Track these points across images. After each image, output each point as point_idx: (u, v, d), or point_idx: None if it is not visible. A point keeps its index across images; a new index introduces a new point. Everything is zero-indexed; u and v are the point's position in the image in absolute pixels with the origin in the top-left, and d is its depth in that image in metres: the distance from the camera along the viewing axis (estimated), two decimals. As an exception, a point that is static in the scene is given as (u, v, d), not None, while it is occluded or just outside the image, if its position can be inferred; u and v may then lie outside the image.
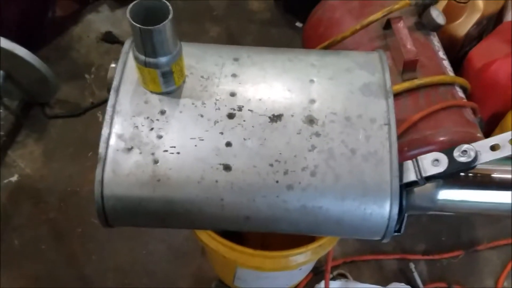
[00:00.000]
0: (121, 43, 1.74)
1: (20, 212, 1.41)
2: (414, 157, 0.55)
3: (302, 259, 0.90)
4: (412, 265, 1.33)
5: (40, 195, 1.45)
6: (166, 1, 0.50)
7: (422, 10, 1.08)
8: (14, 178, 1.47)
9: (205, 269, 1.33)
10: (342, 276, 1.32)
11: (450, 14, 1.27)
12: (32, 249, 1.36)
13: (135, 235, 1.37)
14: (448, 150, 0.54)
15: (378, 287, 1.26)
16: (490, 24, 1.43)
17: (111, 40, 1.78)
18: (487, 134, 1.21)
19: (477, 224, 1.43)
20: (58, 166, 1.50)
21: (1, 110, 1.59)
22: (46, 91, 1.55)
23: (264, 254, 0.88)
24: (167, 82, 0.55)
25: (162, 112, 0.55)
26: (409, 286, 1.29)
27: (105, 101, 1.54)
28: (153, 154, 0.53)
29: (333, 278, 1.30)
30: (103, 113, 0.54)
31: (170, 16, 0.49)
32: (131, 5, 0.50)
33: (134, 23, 0.49)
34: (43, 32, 1.77)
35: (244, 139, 0.54)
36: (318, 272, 1.29)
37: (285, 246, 0.90)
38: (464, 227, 1.43)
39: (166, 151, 0.53)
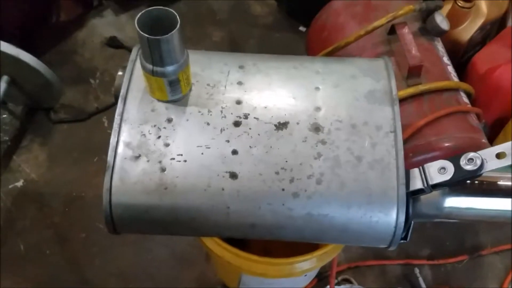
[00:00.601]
0: (126, 48, 1.75)
1: (25, 217, 1.42)
2: (419, 163, 0.56)
3: (307, 266, 0.90)
4: (416, 270, 1.33)
5: (44, 199, 1.45)
6: (173, 11, 0.50)
7: (426, 16, 1.09)
8: (19, 183, 1.47)
9: (209, 274, 1.33)
10: (346, 281, 1.32)
11: (454, 19, 1.28)
12: (36, 253, 1.36)
13: (138, 240, 1.38)
14: (454, 157, 0.54)
15: (382, 292, 1.26)
16: (493, 29, 1.43)
17: (116, 45, 1.79)
18: (492, 139, 1.21)
19: (481, 229, 1.43)
20: (63, 171, 1.50)
21: (5, 115, 1.60)
22: (50, 96, 1.56)
23: (269, 261, 0.88)
24: (174, 91, 0.55)
25: (169, 120, 0.55)
26: (413, 291, 1.29)
27: (110, 106, 1.54)
28: (160, 162, 0.53)
29: (338, 284, 1.30)
30: (108, 118, 0.55)
31: (178, 26, 0.50)
32: (139, 14, 0.50)
33: (142, 33, 0.49)
34: (47, 37, 1.78)
35: (250, 147, 0.54)
36: (322, 278, 1.29)
37: (287, 251, 0.90)
38: (468, 232, 1.43)
39: (173, 159, 0.53)
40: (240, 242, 0.96)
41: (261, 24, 1.90)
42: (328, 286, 1.11)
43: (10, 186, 1.47)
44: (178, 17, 0.50)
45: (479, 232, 1.43)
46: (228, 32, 1.87)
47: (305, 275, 1.01)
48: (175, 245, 1.37)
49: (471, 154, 0.52)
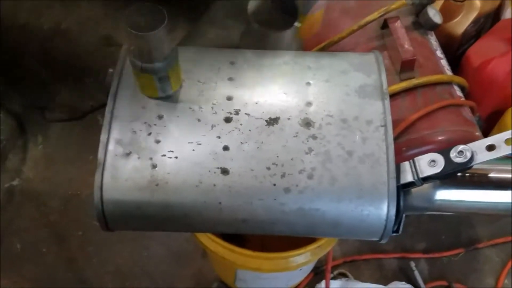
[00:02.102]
0: (121, 46, 1.74)
1: (21, 216, 1.42)
2: (412, 157, 0.56)
3: (302, 260, 0.90)
4: (412, 264, 1.33)
5: (41, 198, 1.45)
6: (161, 7, 0.50)
7: (419, 10, 1.09)
8: (15, 182, 1.47)
9: (206, 270, 1.33)
10: (342, 275, 1.33)
11: (447, 13, 1.28)
12: (33, 252, 1.36)
13: (135, 237, 1.38)
14: (444, 150, 0.54)
15: (379, 286, 1.27)
16: (487, 22, 1.43)
17: (111, 43, 1.79)
18: (486, 133, 1.21)
19: (477, 222, 1.43)
20: (59, 170, 1.50)
21: (1, 115, 1.60)
22: (46, 95, 1.55)
23: (263, 256, 0.89)
24: (164, 87, 0.55)
25: (160, 117, 0.56)
26: (409, 285, 1.29)
27: (104, 105, 1.53)
28: (151, 158, 0.53)
29: (334, 278, 1.30)
30: (103, 117, 0.55)
31: (166, 22, 0.50)
32: (126, 11, 0.50)
33: (130, 29, 0.49)
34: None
35: (241, 142, 0.55)
36: (318, 272, 1.30)
37: (285, 247, 0.90)
38: (464, 225, 1.43)
39: (164, 155, 0.54)
40: (238, 238, 0.96)
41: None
42: (324, 281, 1.11)
43: (6, 185, 1.46)
44: (165, 13, 0.50)
45: (475, 225, 1.44)
46: (224, 29, 1.87)
47: (300, 269, 1.01)
48: (172, 242, 1.38)
49: (461, 147, 0.53)
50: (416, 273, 1.32)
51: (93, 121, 1.60)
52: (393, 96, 0.97)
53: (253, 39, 0.51)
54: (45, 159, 1.53)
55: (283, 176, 0.53)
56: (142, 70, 0.53)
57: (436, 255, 1.37)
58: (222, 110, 0.57)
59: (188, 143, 0.54)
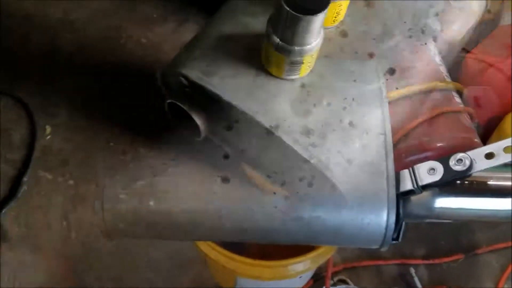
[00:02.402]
0: (130, 37, 1.73)
1: (21, 220, 1.42)
2: (411, 164, 0.56)
3: (301, 268, 0.90)
4: (412, 270, 1.34)
5: (41, 204, 1.45)
6: None
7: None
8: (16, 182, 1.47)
9: (206, 276, 1.33)
10: (342, 282, 1.32)
11: (446, 18, 1.28)
12: (32, 259, 1.36)
13: (135, 243, 1.38)
14: (443, 158, 0.54)
15: (379, 293, 1.27)
16: (486, 28, 1.43)
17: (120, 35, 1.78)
18: (485, 139, 1.21)
19: (476, 228, 1.44)
20: (61, 172, 1.50)
21: (1, 103, 1.59)
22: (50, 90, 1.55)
23: (263, 264, 0.89)
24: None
25: (160, 125, 0.56)
26: (409, 291, 1.29)
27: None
28: (152, 167, 0.53)
29: (334, 284, 1.30)
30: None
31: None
32: None
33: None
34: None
35: (241, 150, 0.55)
36: (318, 279, 1.30)
37: (285, 254, 0.90)
38: (463, 231, 1.43)
39: (165, 164, 0.54)
40: (237, 246, 0.96)
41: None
42: (324, 287, 1.11)
43: (7, 185, 1.46)
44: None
45: (475, 231, 1.44)
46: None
47: (300, 277, 1.01)
48: (173, 248, 1.37)
49: (460, 155, 0.53)
50: (416, 279, 1.32)
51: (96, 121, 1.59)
52: (391, 103, 0.98)
53: (281, 24, 0.47)
54: (47, 158, 1.52)
55: (283, 184, 0.53)
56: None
57: (436, 261, 1.37)
58: (223, 117, 0.57)
59: (189, 150, 0.54)
